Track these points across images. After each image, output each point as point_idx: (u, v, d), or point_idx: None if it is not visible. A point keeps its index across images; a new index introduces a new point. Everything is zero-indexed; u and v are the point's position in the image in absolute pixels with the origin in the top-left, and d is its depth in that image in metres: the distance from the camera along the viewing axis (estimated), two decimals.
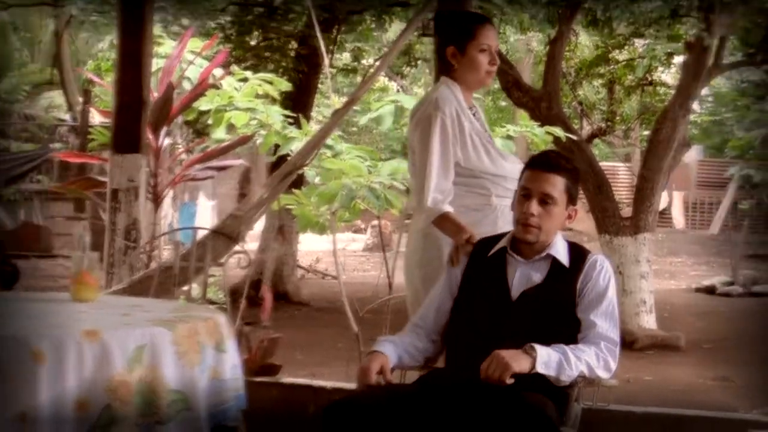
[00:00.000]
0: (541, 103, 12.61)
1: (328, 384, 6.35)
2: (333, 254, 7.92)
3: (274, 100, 7.97)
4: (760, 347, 12.04)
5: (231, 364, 4.28)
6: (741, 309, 16.16)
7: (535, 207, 4.13)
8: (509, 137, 7.30)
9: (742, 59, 15.40)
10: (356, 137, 24.28)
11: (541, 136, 7.35)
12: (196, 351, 4.02)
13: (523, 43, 21.87)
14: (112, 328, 3.93)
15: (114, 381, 3.73)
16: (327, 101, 28.30)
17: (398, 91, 18.53)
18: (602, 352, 4.01)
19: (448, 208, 4.58)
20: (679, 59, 16.35)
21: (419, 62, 18.32)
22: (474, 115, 4.82)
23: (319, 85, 16.27)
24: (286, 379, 6.42)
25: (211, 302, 6.90)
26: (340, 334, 11.95)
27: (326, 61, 9.08)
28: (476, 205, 4.69)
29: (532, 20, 13.04)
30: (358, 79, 24.75)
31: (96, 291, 4.66)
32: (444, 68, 4.82)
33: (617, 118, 18.63)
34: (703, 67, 12.35)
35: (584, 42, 18.32)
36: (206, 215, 20.46)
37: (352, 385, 6.51)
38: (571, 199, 4.22)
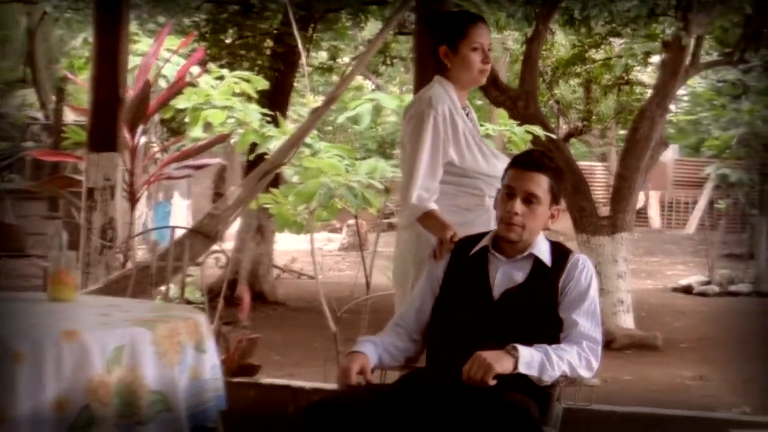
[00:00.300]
0: (518, 102, 12.63)
1: (307, 384, 6.32)
2: (311, 254, 7.90)
3: (250, 99, 7.93)
4: (737, 346, 12.14)
5: (211, 365, 4.26)
6: (718, 308, 16.26)
7: (518, 206, 4.13)
8: (488, 136, 7.30)
9: (719, 58, 15.49)
10: (331, 136, 24.28)
11: (520, 134, 7.36)
12: (177, 351, 4.01)
13: (498, 42, 21.89)
14: (91, 328, 3.91)
15: (93, 381, 3.70)
16: (302, 100, 28.34)
17: (374, 89, 18.47)
18: (584, 352, 4.01)
19: (433, 206, 4.58)
20: (655, 58, 16.42)
21: (395, 61, 18.26)
22: (467, 115, 4.82)
23: (295, 84, 16.21)
24: (265, 379, 6.39)
25: (188, 302, 6.87)
26: (317, 334, 11.93)
27: (303, 59, 9.05)
28: (469, 205, 4.69)
29: (509, 19, 13.04)
30: (334, 77, 24.71)
31: (74, 290, 4.63)
32: (437, 68, 4.82)
33: (594, 117, 18.70)
34: (680, 65, 12.41)
35: (561, 41, 18.35)
36: (181, 214, 20.42)
37: (331, 386, 6.51)
38: (555, 199, 4.23)
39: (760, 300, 17.37)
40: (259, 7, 13.70)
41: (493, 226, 4.50)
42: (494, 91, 13.01)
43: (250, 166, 13.68)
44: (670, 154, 27.93)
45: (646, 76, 20.14)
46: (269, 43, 15.14)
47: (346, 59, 20.93)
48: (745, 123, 18.47)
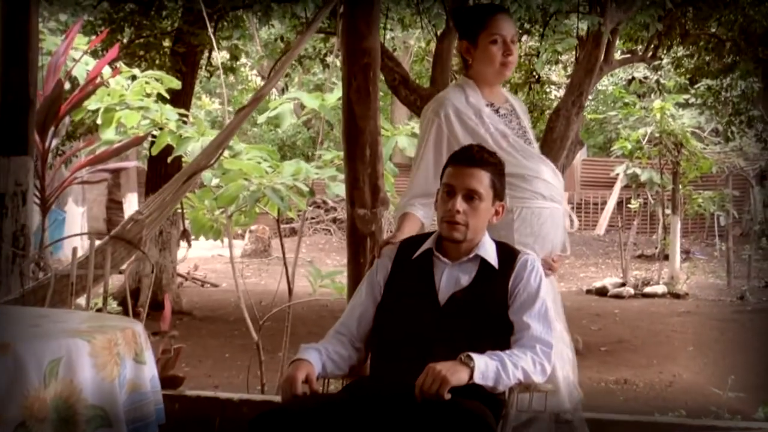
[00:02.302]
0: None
1: (236, 396, 6.24)
2: (230, 261, 7.84)
3: (162, 99, 7.82)
4: (656, 349, 12.29)
5: (150, 376, 4.16)
6: (634, 310, 16.45)
7: (460, 203, 4.08)
8: (414, 135, 7.26)
9: (629, 56, 15.66)
10: None
11: None
12: (116, 363, 3.90)
13: (399, 41, 21.93)
14: (24, 340, 3.77)
15: (29, 397, 3.59)
16: (199, 102, 28.17)
17: (282, 92, 18.38)
18: (538, 356, 3.98)
19: (412, 210, 4.56)
20: (566, 56, 16.55)
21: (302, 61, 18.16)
22: (497, 111, 4.74)
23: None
24: (190, 391, 6.29)
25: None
26: (226, 344, 11.89)
27: (218, 59, 8.95)
28: None
29: (414, 17, 13.02)
30: (231, 78, 24.53)
31: None
32: (463, 66, 4.77)
33: None
34: (596, 62, 12.48)
35: None
36: (76, 222, 20.06)
37: (260, 397, 6.47)
38: (497, 194, 4.18)
39: (676, 301, 17.62)
40: (156, 5, 13.52)
41: (515, 227, 4.48)
42: (404, 90, 12.96)
43: (151, 170, 13.53)
44: (577, 154, 28.21)
45: (554, 74, 20.33)
46: (168, 42, 14.96)
47: (243, 60, 20.79)
48: (656, 121, 18.69)
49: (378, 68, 6.03)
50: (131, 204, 22.33)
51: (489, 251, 4.19)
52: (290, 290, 7.54)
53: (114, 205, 26.92)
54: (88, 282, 5.60)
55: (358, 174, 5.89)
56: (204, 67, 15.60)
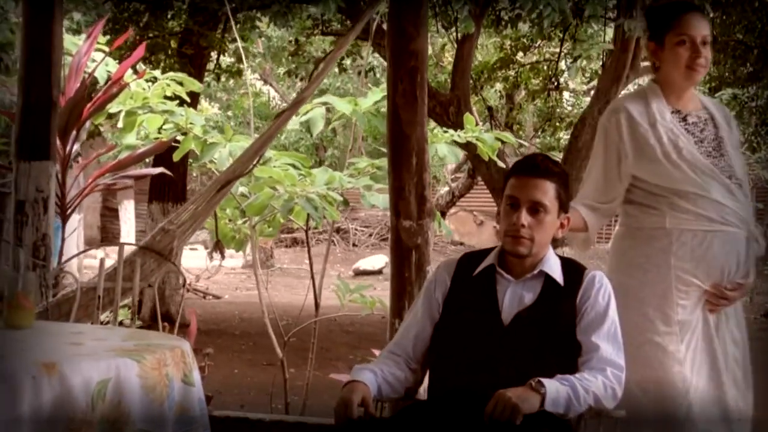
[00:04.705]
0: (449, 108, 12.51)
1: (267, 416, 6.13)
2: (254, 272, 7.72)
3: (184, 103, 7.71)
4: None
5: (198, 398, 4.02)
6: None
7: (524, 217, 3.98)
8: (455, 143, 7.14)
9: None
10: None
11: (489, 141, 7.17)
12: (164, 384, 3.76)
13: None
14: (70, 359, 3.63)
15: (75, 420, 3.46)
16: (198, 106, 28.03)
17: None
18: (609, 380, 3.88)
19: (577, 206, 4.53)
20: (584, 63, 16.45)
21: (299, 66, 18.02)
22: (685, 119, 4.58)
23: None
24: (219, 411, 6.16)
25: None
26: (234, 359, 11.76)
27: (244, 60, 8.84)
28: (649, 228, 4.48)
29: (430, 19, 12.87)
30: (231, 82, 24.40)
31: (33, 316, 4.34)
32: (652, 69, 4.67)
33: (517, 125, 18.73)
34: (623, 69, 12.38)
35: (480, 43, 18.31)
36: (72, 230, 19.89)
37: (292, 418, 6.35)
38: (563, 206, 4.09)
39: None
40: (164, 5, 13.40)
41: (674, 250, 4.39)
42: None
43: (156, 177, 13.34)
44: None
45: (571, 81, 20.28)
46: (174, 44, 14.84)
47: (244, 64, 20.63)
48: None
49: (425, 71, 5.89)
50: (127, 211, 22.11)
51: (554, 267, 4.09)
52: (317, 305, 7.42)
53: (109, 212, 26.74)
54: (116, 296, 5.47)
55: (404, 183, 5.75)
56: (213, 70, 15.47)
